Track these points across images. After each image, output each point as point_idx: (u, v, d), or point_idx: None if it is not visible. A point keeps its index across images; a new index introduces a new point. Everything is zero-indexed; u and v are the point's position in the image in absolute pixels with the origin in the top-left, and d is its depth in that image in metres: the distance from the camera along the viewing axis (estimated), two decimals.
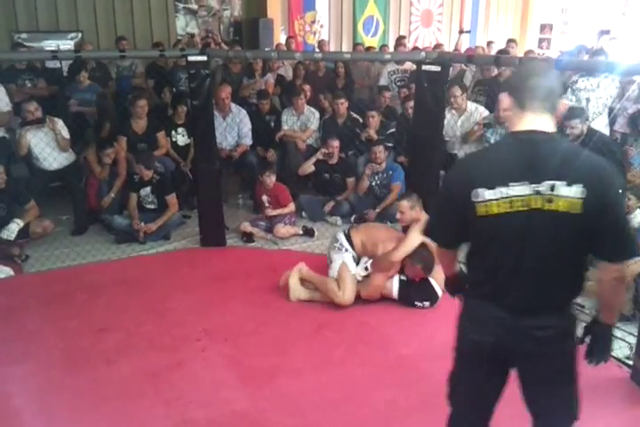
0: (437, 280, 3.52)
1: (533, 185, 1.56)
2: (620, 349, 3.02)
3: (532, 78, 1.66)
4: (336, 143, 5.23)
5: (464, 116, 5.20)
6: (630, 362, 2.95)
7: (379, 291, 3.57)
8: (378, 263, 3.54)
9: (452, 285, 2.02)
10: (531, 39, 11.26)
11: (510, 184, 1.57)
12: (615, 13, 10.16)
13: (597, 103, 4.92)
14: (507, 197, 1.57)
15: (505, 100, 1.73)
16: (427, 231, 1.89)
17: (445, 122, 5.18)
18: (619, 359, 2.98)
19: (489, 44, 8.59)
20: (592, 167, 1.57)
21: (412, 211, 3.55)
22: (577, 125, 4.10)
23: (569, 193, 1.54)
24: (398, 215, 3.64)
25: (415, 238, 3.46)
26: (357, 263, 3.63)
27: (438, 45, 8.06)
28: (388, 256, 3.50)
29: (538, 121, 1.64)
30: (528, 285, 1.64)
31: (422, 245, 3.44)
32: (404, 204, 3.56)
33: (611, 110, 4.97)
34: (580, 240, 1.59)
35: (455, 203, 1.67)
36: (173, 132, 5.45)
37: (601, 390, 2.67)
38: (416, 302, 3.56)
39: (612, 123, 4.98)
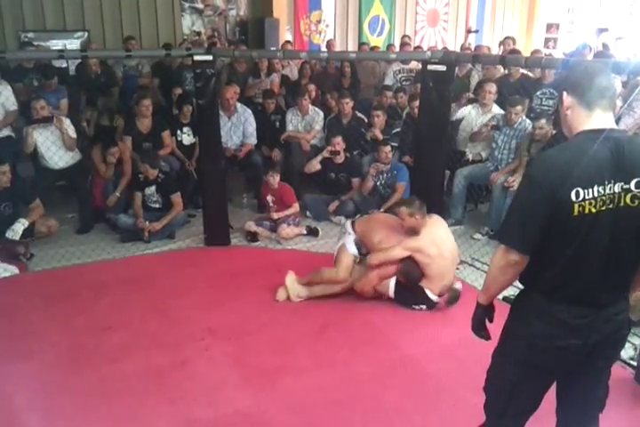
0: (432, 290, 3.51)
1: (622, 183, 1.61)
2: (625, 350, 3.01)
3: (597, 77, 1.68)
4: (338, 140, 5.23)
5: (486, 116, 5.18)
6: (634, 363, 2.94)
7: (370, 286, 3.56)
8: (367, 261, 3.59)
9: (485, 315, 1.85)
10: (537, 38, 11.23)
11: (605, 183, 1.59)
12: (622, 13, 10.11)
13: None
14: (601, 196, 1.59)
15: (566, 99, 1.73)
16: (505, 237, 1.70)
17: (466, 113, 5.19)
18: (623, 360, 2.97)
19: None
20: None
21: (411, 218, 3.51)
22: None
23: None
24: (399, 220, 3.61)
25: (397, 252, 3.49)
26: (359, 250, 3.70)
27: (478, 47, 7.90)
28: (368, 257, 3.56)
29: (607, 119, 1.67)
30: (613, 280, 1.69)
31: (411, 260, 3.46)
32: (403, 210, 3.52)
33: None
34: None
35: (548, 204, 1.60)
36: (179, 132, 5.46)
37: None
38: (413, 306, 3.55)
39: (615, 122, 4.95)
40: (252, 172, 5.56)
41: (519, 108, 4.84)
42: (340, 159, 5.30)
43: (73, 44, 7.29)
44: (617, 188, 1.60)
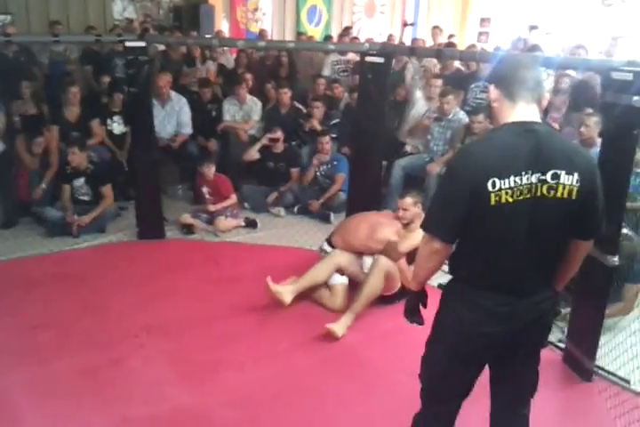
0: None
1: (539, 174, 1.64)
2: (553, 333, 3.14)
3: (521, 70, 1.72)
4: (279, 134, 5.18)
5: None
6: (562, 345, 3.08)
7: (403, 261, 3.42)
8: (388, 255, 3.39)
9: (417, 300, 1.91)
10: (471, 32, 11.51)
11: (522, 173, 1.63)
12: (548, 8, 10.49)
13: None
14: (518, 186, 1.62)
15: (492, 92, 1.76)
16: (428, 225, 1.74)
17: (419, 101, 5.40)
18: (552, 343, 3.10)
19: (450, 36, 8.74)
20: (584, 157, 1.71)
21: (415, 207, 3.50)
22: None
23: (569, 181, 1.65)
24: (400, 213, 3.53)
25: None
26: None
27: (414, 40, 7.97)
28: (394, 246, 3.39)
29: (530, 112, 1.70)
30: (535, 268, 1.73)
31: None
32: (409, 200, 3.49)
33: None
34: (572, 223, 1.72)
35: (467, 193, 1.64)
36: (109, 121, 5.27)
37: None
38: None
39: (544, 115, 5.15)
40: (188, 162, 5.42)
41: (450, 97, 4.95)
42: (278, 149, 5.26)
43: None
44: (534, 178, 1.64)
